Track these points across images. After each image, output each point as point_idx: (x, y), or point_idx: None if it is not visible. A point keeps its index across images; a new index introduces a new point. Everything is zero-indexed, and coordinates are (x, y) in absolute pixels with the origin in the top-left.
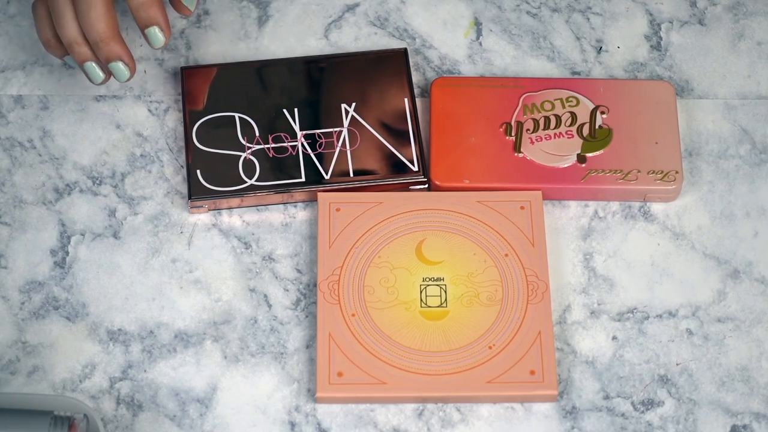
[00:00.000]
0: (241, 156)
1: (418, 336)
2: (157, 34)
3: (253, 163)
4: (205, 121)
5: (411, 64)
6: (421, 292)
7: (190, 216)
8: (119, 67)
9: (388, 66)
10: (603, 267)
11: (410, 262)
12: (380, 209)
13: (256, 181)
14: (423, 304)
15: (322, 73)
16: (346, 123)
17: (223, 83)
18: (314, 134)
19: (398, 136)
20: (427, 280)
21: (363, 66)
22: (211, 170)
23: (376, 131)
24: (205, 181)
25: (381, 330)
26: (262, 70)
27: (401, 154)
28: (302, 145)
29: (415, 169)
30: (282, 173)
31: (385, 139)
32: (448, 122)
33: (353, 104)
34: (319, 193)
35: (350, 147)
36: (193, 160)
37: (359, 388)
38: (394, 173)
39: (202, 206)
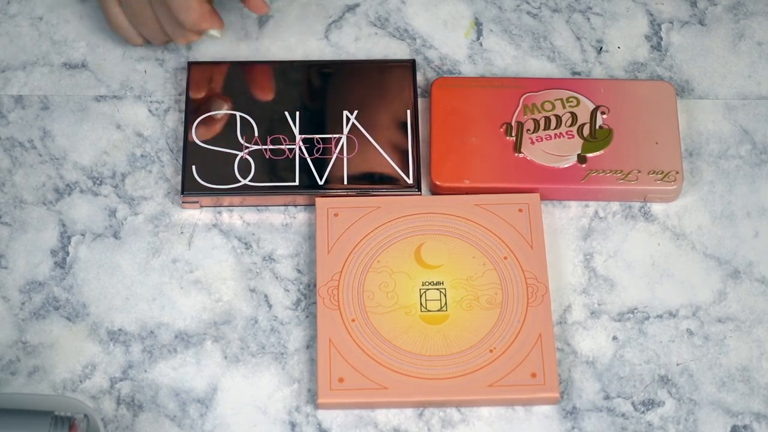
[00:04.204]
0: (237, 155)
1: (419, 340)
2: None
3: (249, 163)
4: (205, 117)
5: None
6: (420, 296)
7: (184, 212)
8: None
9: (395, 76)
10: (603, 267)
11: (409, 267)
12: (378, 214)
13: (249, 181)
14: (423, 309)
15: (328, 78)
16: (345, 130)
17: (228, 81)
18: (313, 139)
19: (397, 147)
20: (427, 284)
21: (369, 74)
22: (207, 167)
23: (374, 140)
24: (200, 177)
25: (381, 335)
26: (268, 70)
27: (397, 166)
28: (300, 148)
29: (410, 181)
30: (276, 175)
31: (383, 149)
32: (449, 123)
33: (355, 111)
34: (317, 199)
35: (347, 154)
36: (189, 155)
37: (360, 393)
38: (388, 183)
39: (194, 202)
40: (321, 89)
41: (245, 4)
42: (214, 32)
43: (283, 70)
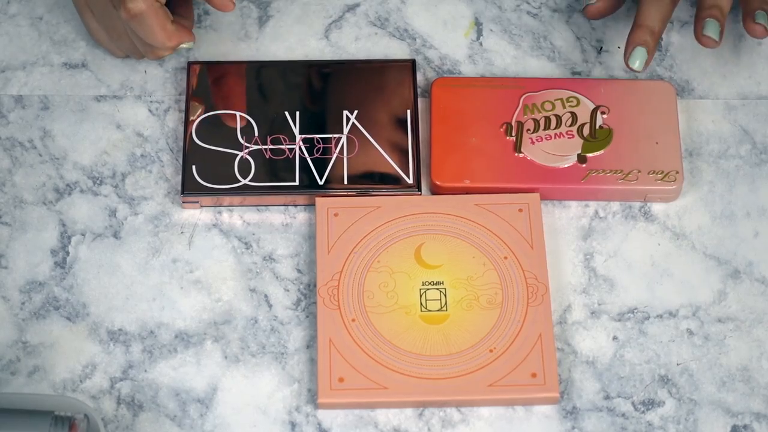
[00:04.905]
0: (237, 155)
1: (419, 340)
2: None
3: (249, 163)
4: (206, 117)
5: None
6: (420, 296)
7: (184, 212)
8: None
9: (395, 76)
10: (603, 267)
11: (409, 267)
12: (378, 213)
13: (250, 181)
14: (423, 308)
15: (328, 78)
16: (346, 130)
17: (228, 81)
18: (313, 139)
19: (397, 146)
20: (427, 284)
21: (369, 74)
22: (207, 167)
23: (374, 140)
24: (200, 177)
25: (381, 335)
26: (268, 70)
27: (397, 165)
28: (300, 148)
29: (410, 181)
30: (276, 175)
31: (383, 149)
32: (449, 123)
33: (355, 111)
34: (317, 198)
35: (347, 154)
36: (189, 155)
37: (360, 393)
38: (388, 183)
39: (195, 202)
40: (321, 89)
41: (209, 3)
42: (186, 45)
43: (283, 70)
